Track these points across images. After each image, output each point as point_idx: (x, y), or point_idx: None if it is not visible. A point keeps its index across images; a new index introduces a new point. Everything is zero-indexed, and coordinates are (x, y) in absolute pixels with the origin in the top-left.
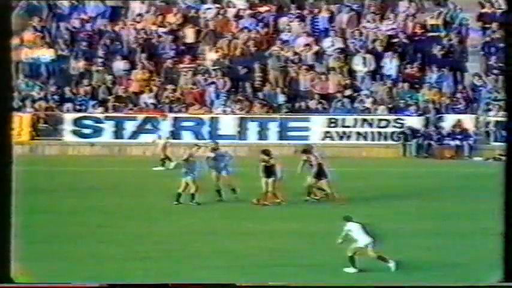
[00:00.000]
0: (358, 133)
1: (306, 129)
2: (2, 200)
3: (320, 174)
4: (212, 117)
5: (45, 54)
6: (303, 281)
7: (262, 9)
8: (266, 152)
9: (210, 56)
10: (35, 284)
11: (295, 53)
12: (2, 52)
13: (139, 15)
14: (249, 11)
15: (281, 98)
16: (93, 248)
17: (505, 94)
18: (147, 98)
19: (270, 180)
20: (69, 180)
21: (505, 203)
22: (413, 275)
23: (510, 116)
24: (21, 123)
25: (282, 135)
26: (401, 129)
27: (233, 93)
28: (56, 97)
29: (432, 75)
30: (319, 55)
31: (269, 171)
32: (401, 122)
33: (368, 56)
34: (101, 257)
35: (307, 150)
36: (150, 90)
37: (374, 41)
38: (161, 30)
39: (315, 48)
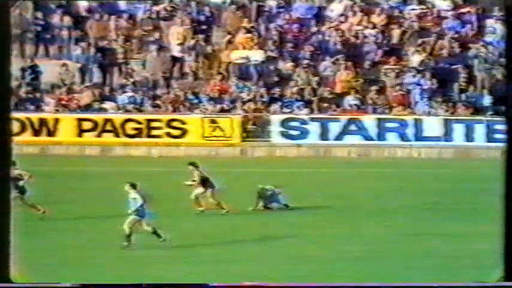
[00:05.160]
0: None
1: None
2: (1, 200)
3: (205, 185)
4: (416, 119)
5: (255, 55)
6: None
7: (465, 9)
8: (195, 164)
9: (415, 56)
10: (35, 284)
11: (500, 55)
12: (1, 52)
13: (343, 15)
14: (452, 12)
15: (487, 100)
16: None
17: (506, 93)
18: (351, 99)
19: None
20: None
21: (505, 203)
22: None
23: (510, 116)
24: (231, 125)
25: (489, 138)
26: None
27: (437, 94)
28: (264, 98)
29: None
30: None
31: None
32: None
33: None
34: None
35: (193, 164)
36: (355, 92)
37: None
38: (366, 30)
39: None
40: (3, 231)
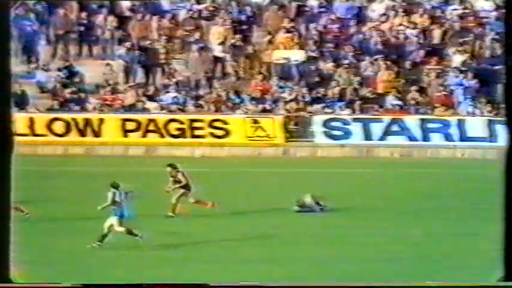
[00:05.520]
0: None
1: None
2: (1, 201)
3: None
4: (459, 119)
5: (296, 55)
6: None
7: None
8: (173, 165)
9: (456, 57)
10: (35, 284)
11: None
12: (1, 52)
13: (384, 15)
14: (494, 12)
15: None
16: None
17: (505, 94)
18: (392, 100)
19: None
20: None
21: (505, 203)
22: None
23: (510, 116)
24: (273, 125)
25: None
26: None
27: (480, 95)
28: (305, 98)
29: None
30: None
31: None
32: None
33: None
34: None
35: (172, 165)
36: (397, 92)
37: None
38: (407, 30)
39: None
40: (3, 232)
